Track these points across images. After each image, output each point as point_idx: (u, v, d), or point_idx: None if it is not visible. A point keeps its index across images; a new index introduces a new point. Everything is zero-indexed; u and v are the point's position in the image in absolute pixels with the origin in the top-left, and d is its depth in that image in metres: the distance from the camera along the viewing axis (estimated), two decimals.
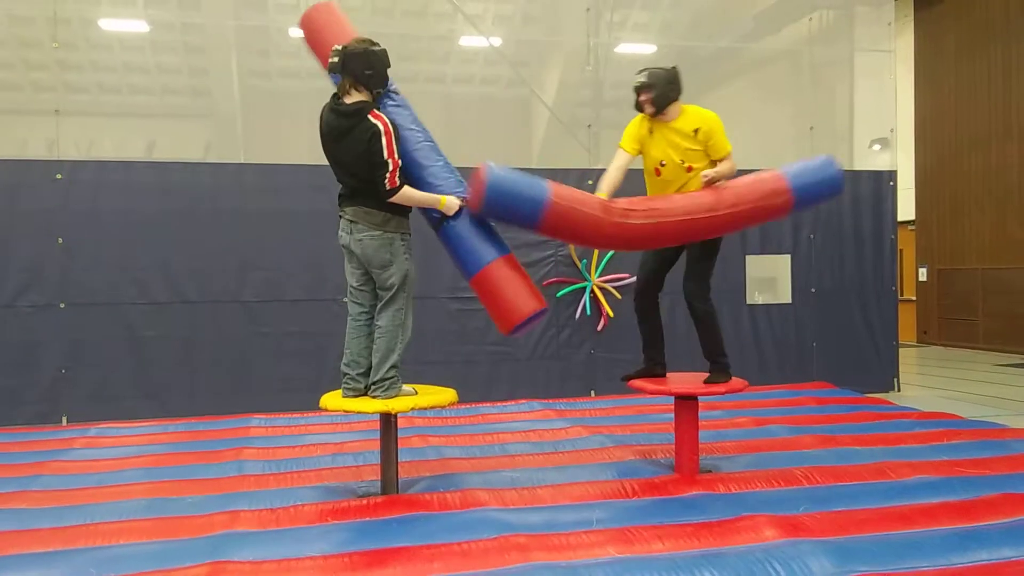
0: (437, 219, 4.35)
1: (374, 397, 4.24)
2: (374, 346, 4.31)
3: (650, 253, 4.96)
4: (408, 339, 4.34)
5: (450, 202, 4.25)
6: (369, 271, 4.33)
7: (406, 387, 4.34)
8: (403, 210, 4.28)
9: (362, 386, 4.37)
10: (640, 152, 4.87)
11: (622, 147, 4.85)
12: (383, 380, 4.23)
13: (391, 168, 4.10)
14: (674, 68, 4.79)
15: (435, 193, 4.27)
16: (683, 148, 4.71)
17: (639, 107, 4.81)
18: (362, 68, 4.17)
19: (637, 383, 4.85)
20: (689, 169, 4.72)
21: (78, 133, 7.68)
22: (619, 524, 3.77)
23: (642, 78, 4.73)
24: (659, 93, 4.70)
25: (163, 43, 8.52)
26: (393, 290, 4.27)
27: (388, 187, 4.12)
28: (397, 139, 4.15)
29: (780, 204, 4.57)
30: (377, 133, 4.08)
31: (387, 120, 4.15)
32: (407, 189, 4.19)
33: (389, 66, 4.29)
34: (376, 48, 4.23)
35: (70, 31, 7.74)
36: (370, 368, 4.34)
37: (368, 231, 4.22)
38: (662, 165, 4.78)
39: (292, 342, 7.34)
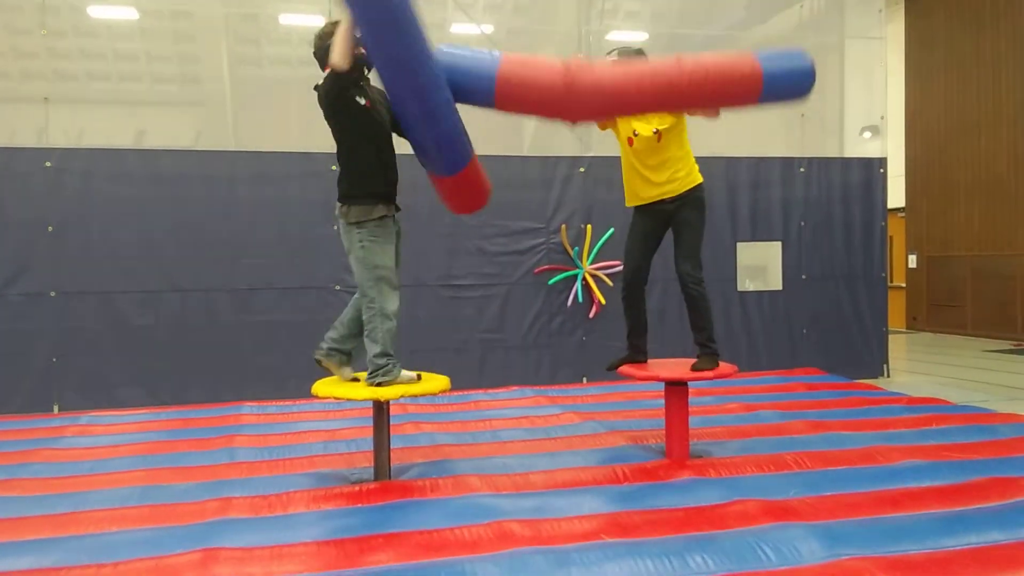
0: None
1: (372, 385, 4.23)
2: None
3: (635, 241, 4.98)
4: (390, 326, 4.28)
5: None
6: None
7: (407, 373, 4.32)
8: (360, 200, 4.24)
9: (325, 349, 4.46)
10: (610, 127, 5.00)
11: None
12: (375, 368, 4.24)
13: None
14: (641, 48, 4.92)
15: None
16: (653, 117, 4.81)
17: None
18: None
19: (627, 370, 4.86)
20: (659, 137, 4.78)
21: (67, 121, 7.61)
22: (611, 509, 3.80)
23: (613, 56, 4.82)
24: None
25: (153, 30, 8.45)
26: (361, 278, 4.31)
27: (332, 68, 4.04)
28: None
29: (747, 75, 4.23)
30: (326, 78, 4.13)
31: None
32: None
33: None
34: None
35: (59, 18, 7.68)
36: (346, 336, 4.45)
37: (341, 223, 4.31)
38: (635, 135, 4.85)
39: (283, 330, 7.33)
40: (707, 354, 4.78)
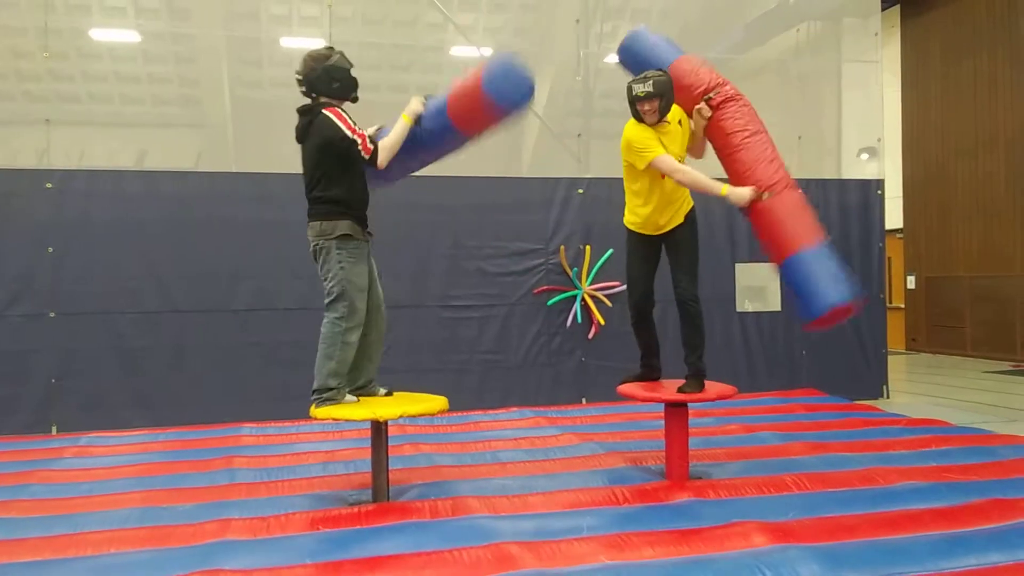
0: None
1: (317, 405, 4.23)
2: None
3: (639, 267, 4.93)
4: (347, 355, 4.28)
5: (413, 105, 4.35)
6: None
7: (348, 396, 4.29)
8: (344, 216, 4.28)
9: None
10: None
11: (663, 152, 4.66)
12: (317, 391, 4.23)
13: (359, 141, 4.22)
14: (667, 72, 4.75)
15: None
16: (681, 142, 4.82)
17: (639, 116, 4.69)
18: (328, 84, 4.32)
19: (627, 390, 4.86)
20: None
21: (69, 143, 7.66)
22: (610, 531, 3.79)
23: (648, 87, 4.59)
24: (667, 101, 4.66)
25: (154, 53, 8.52)
26: (332, 298, 4.32)
27: (367, 156, 4.24)
28: (352, 120, 4.27)
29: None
30: (329, 120, 4.22)
31: (337, 109, 4.29)
32: (383, 142, 4.29)
33: (351, 66, 4.38)
34: (333, 59, 4.33)
35: (61, 41, 7.75)
36: (355, 376, 4.43)
37: (313, 242, 4.35)
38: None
39: (283, 351, 7.32)
40: (695, 374, 4.75)
